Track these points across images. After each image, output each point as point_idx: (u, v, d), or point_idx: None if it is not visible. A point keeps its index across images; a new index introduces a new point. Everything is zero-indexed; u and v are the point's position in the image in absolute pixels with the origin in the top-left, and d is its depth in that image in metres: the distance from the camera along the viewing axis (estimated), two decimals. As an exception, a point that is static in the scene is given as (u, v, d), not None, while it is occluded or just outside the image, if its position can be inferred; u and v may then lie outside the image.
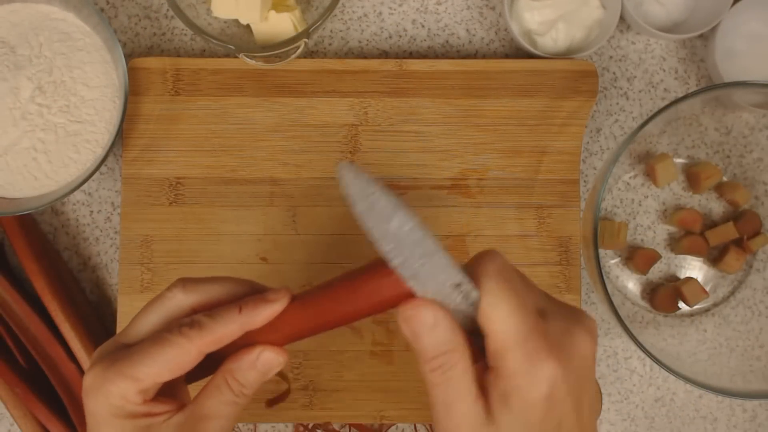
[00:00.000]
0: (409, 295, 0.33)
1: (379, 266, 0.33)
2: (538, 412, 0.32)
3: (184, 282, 0.37)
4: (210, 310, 0.36)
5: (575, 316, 0.34)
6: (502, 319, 0.32)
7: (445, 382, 0.33)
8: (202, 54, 0.61)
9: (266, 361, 0.36)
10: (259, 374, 0.36)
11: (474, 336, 0.34)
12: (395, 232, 0.32)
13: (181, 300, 0.36)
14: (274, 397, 0.53)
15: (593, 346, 0.33)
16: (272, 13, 0.56)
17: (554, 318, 0.33)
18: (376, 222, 0.32)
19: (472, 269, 0.33)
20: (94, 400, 0.34)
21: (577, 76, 0.58)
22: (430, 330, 0.32)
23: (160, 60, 0.58)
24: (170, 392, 0.37)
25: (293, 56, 0.57)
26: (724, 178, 0.62)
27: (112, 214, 0.61)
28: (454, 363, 0.32)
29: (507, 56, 0.62)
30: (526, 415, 0.32)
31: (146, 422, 0.34)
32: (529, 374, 0.31)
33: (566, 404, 0.32)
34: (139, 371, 0.34)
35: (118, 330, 0.57)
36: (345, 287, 0.35)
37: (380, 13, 0.62)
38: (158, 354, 0.34)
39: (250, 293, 0.37)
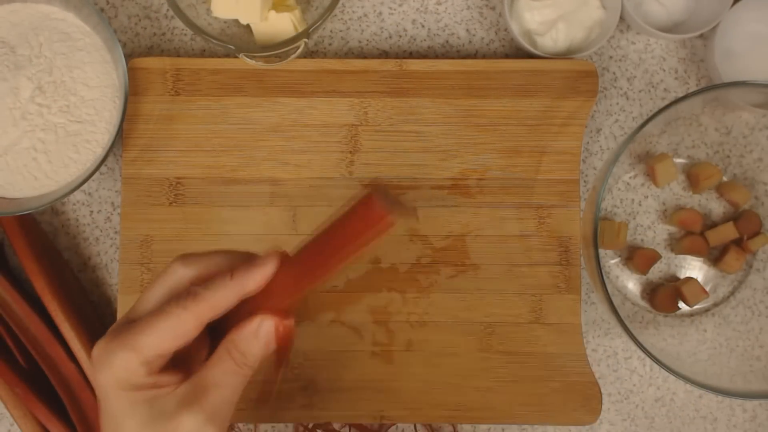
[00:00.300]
0: (389, 221, 0.34)
1: (361, 203, 0.35)
2: None
3: (184, 257, 0.38)
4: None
5: None
6: None
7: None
8: (202, 54, 0.61)
9: (268, 330, 0.36)
10: (261, 343, 0.37)
11: None
12: None
13: (181, 274, 0.37)
14: (260, 391, 0.53)
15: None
16: (272, 13, 0.56)
17: None
18: None
19: None
20: (101, 373, 0.35)
21: (577, 76, 0.58)
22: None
23: (160, 60, 0.58)
24: (186, 368, 0.37)
25: (293, 56, 0.57)
26: (724, 178, 0.62)
27: (112, 214, 0.61)
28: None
29: (507, 56, 0.62)
30: None
31: (152, 393, 0.35)
32: None
33: None
34: (139, 341, 0.35)
35: (118, 330, 0.57)
36: (331, 230, 0.37)
37: (380, 13, 0.62)
38: (157, 325, 0.35)
39: (244, 260, 0.38)
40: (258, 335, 0.36)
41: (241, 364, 0.36)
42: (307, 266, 0.37)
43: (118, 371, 0.35)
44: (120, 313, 0.57)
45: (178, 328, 0.35)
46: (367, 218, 0.35)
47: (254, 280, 0.36)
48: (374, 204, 0.35)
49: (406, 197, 0.58)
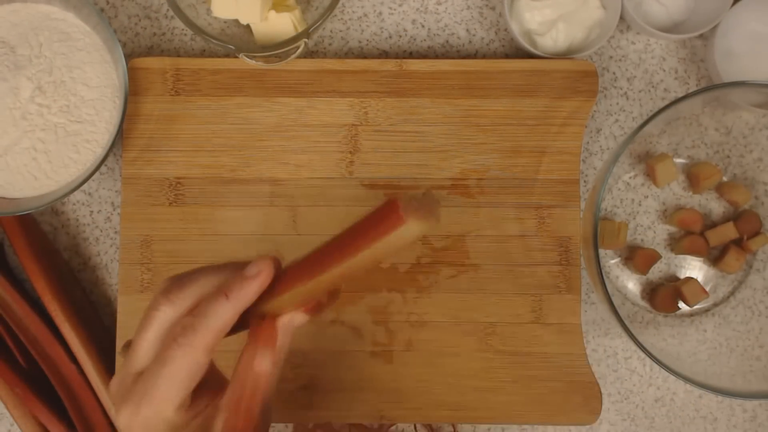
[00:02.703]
0: (401, 218, 0.32)
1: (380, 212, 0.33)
2: None
3: (167, 294, 0.35)
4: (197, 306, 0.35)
5: None
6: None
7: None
8: (202, 54, 0.61)
9: (266, 361, 0.35)
10: (280, 357, 0.36)
11: None
12: None
13: (170, 314, 0.35)
14: None
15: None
16: (272, 13, 0.56)
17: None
18: None
19: None
20: None
21: (577, 76, 0.58)
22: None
23: (160, 60, 0.58)
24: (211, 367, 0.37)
25: (293, 56, 0.57)
26: (724, 178, 0.62)
27: (112, 214, 0.61)
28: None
29: (507, 56, 0.62)
30: None
31: (198, 421, 0.35)
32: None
33: None
34: (163, 395, 0.34)
35: (118, 330, 0.57)
36: (347, 229, 0.35)
37: (380, 13, 0.62)
38: (168, 373, 0.34)
39: (234, 273, 0.36)
40: (262, 366, 0.35)
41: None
42: (316, 260, 0.35)
43: (160, 427, 0.34)
44: (120, 313, 0.57)
45: (190, 367, 0.34)
46: (381, 215, 0.34)
47: (252, 292, 0.35)
48: (394, 204, 0.33)
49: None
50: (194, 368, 0.34)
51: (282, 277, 0.36)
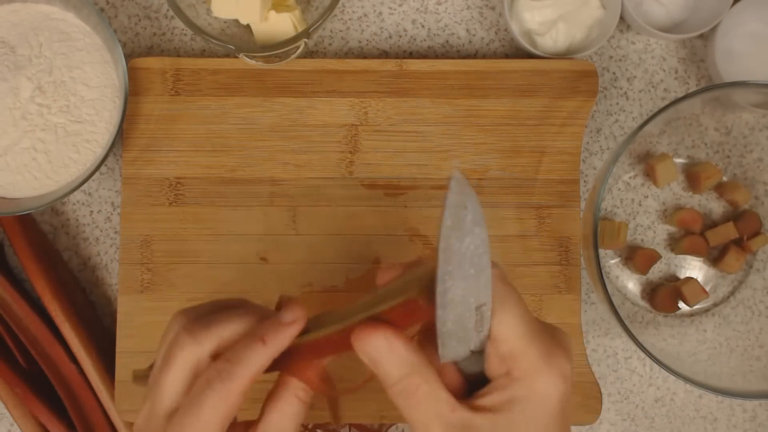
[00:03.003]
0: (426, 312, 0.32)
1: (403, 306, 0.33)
2: (551, 408, 0.32)
3: (192, 331, 0.35)
4: (229, 349, 0.35)
5: (556, 333, 0.35)
6: (513, 322, 0.33)
7: (413, 405, 0.33)
8: (202, 54, 0.61)
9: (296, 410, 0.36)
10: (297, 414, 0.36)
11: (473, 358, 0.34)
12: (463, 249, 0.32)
13: (197, 353, 0.35)
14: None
15: (570, 363, 0.34)
16: (272, 13, 0.56)
17: (542, 331, 0.34)
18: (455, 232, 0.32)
19: None
20: None
21: (577, 76, 0.58)
22: (387, 355, 0.33)
23: (160, 60, 0.58)
24: None
25: (293, 56, 0.57)
26: (724, 178, 0.62)
27: (112, 214, 0.61)
28: (417, 385, 0.33)
29: (507, 56, 0.62)
30: (536, 413, 0.32)
31: None
32: (547, 370, 0.32)
33: (567, 407, 0.33)
34: None
35: (118, 330, 0.57)
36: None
37: (380, 13, 0.62)
38: (206, 419, 0.33)
39: (262, 318, 0.36)
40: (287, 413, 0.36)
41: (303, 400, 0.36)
42: (334, 342, 0.35)
43: None
44: (120, 313, 0.57)
45: (226, 412, 0.34)
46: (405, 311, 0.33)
47: (288, 338, 0.35)
48: (415, 302, 0.32)
49: (406, 197, 0.58)
50: (230, 412, 0.34)
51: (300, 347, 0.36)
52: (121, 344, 0.57)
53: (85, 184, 0.56)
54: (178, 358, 0.35)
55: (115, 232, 0.61)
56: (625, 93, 0.62)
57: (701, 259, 0.62)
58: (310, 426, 0.58)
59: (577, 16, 0.59)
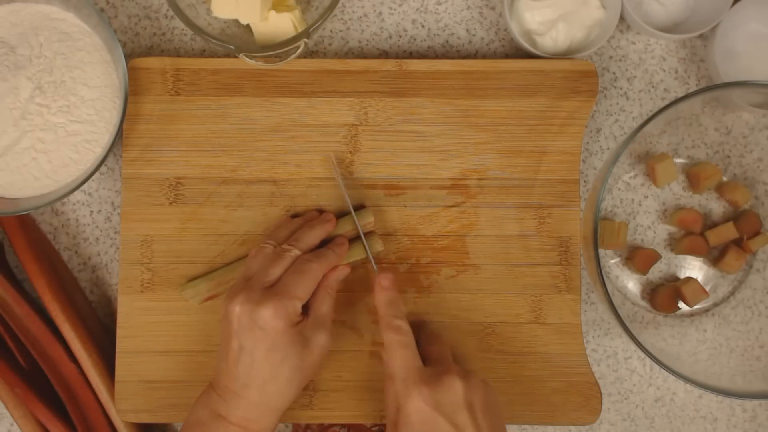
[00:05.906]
0: None
1: None
2: (412, 421, 0.48)
3: (269, 238, 0.54)
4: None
5: (446, 368, 0.51)
6: (392, 363, 0.51)
7: (403, 335, 0.51)
8: (202, 54, 0.61)
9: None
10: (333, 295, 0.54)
11: None
12: None
13: (272, 248, 0.54)
14: None
15: (460, 384, 0.48)
16: (272, 13, 0.56)
17: (434, 364, 0.51)
18: None
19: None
20: (276, 319, 0.49)
21: (577, 76, 0.58)
22: (386, 288, 0.54)
23: (160, 60, 0.58)
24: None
25: (293, 56, 0.57)
26: (724, 178, 0.62)
27: (112, 214, 0.61)
28: (407, 330, 0.52)
29: (507, 56, 0.62)
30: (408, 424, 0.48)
31: (299, 326, 0.51)
32: (405, 396, 0.48)
33: (434, 420, 0.47)
34: (297, 293, 0.50)
35: (118, 330, 0.57)
36: None
37: (380, 13, 0.62)
38: (305, 280, 0.51)
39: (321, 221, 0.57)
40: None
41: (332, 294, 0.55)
42: None
43: (291, 315, 0.49)
44: (120, 313, 0.57)
45: (316, 278, 0.52)
46: None
47: (331, 226, 0.56)
48: None
49: (406, 197, 0.58)
50: (318, 279, 0.52)
51: None
52: (121, 344, 0.57)
53: (85, 184, 0.56)
54: (261, 250, 0.53)
55: (115, 232, 0.61)
56: (625, 93, 0.62)
57: (701, 259, 0.62)
58: (310, 426, 0.58)
59: (577, 16, 0.59)
